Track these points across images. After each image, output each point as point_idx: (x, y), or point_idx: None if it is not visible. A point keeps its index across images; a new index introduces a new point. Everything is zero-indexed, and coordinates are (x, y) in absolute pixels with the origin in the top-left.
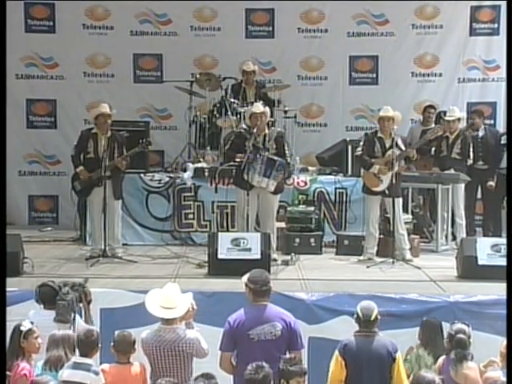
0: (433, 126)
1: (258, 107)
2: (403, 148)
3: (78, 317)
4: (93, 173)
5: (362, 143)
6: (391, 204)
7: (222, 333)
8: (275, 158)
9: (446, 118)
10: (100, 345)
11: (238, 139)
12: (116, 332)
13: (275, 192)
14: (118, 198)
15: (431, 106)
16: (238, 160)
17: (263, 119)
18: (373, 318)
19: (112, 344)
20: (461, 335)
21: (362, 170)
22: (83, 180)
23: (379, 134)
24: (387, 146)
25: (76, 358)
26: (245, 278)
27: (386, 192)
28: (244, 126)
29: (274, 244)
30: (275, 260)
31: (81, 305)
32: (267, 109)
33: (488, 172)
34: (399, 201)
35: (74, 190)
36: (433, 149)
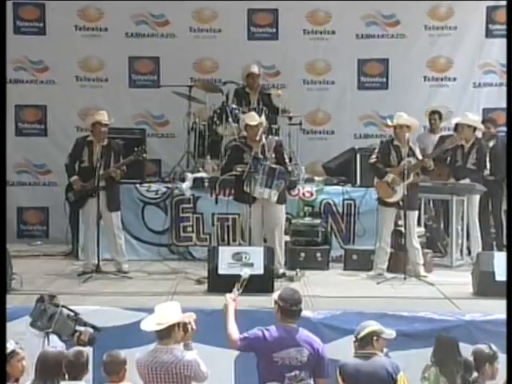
0: (442, 133)
1: (253, 117)
2: (420, 157)
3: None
4: (87, 183)
5: (376, 151)
6: (406, 216)
7: (249, 332)
8: (275, 166)
9: (455, 121)
10: (90, 367)
11: (234, 153)
12: (104, 354)
13: (279, 202)
14: (113, 209)
15: (435, 112)
16: (239, 170)
17: (260, 129)
18: (361, 335)
19: (102, 368)
20: (469, 357)
21: (376, 180)
22: (77, 190)
23: (395, 142)
24: (403, 154)
25: (66, 382)
26: (275, 294)
27: (400, 203)
28: (246, 134)
29: (281, 259)
30: (284, 275)
31: None
32: (263, 118)
33: (495, 183)
34: (415, 214)
35: (68, 201)
36: (448, 158)
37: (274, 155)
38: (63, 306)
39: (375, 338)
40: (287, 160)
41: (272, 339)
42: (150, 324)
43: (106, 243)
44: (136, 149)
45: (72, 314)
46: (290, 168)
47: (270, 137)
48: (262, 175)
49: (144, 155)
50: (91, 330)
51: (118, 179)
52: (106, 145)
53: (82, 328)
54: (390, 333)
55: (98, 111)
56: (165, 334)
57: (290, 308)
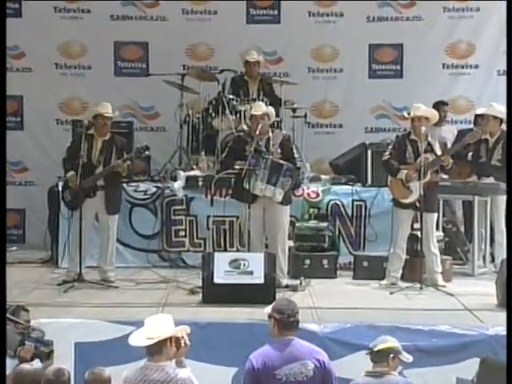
0: (447, 126)
1: (260, 107)
2: (439, 153)
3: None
4: (84, 181)
5: (391, 146)
6: (424, 219)
7: (243, 375)
8: (281, 161)
9: (479, 112)
10: None
11: (236, 145)
12: (87, 371)
13: (283, 203)
14: (112, 212)
15: (443, 102)
16: (237, 167)
17: (265, 121)
18: (378, 348)
19: None
20: None
21: (389, 178)
22: (73, 188)
23: (412, 136)
24: (421, 150)
25: None
26: (268, 308)
27: (417, 205)
28: (245, 127)
29: (284, 267)
30: (287, 286)
31: None
32: (270, 108)
33: None
34: (433, 216)
35: (64, 200)
36: (470, 154)
37: (279, 150)
38: (8, 319)
39: (392, 355)
40: (296, 155)
41: (270, 358)
42: (139, 338)
43: (89, 249)
44: (138, 145)
45: (20, 326)
46: (298, 164)
47: (278, 131)
48: (263, 170)
49: (147, 153)
50: (42, 346)
51: (125, 175)
52: (107, 140)
53: (28, 343)
54: (407, 357)
55: (101, 103)
56: (155, 350)
57: (288, 320)
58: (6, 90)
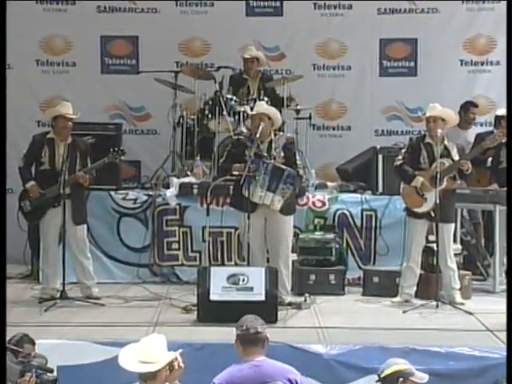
0: (473, 128)
1: (260, 107)
2: (456, 158)
3: None
4: (47, 190)
5: (404, 150)
6: (440, 230)
7: None
8: (283, 167)
9: (500, 113)
10: None
11: (235, 149)
12: None
13: (286, 212)
14: (79, 222)
15: (472, 103)
16: (235, 173)
17: (267, 122)
18: (385, 374)
19: None
20: None
21: (402, 185)
22: (34, 199)
23: (427, 140)
24: (437, 154)
25: None
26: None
27: (432, 214)
28: (244, 129)
29: (287, 283)
30: (290, 304)
31: None
32: (274, 110)
33: None
34: (450, 227)
35: (22, 211)
36: (489, 159)
37: (282, 154)
38: (8, 349)
39: (401, 379)
40: (299, 162)
41: (236, 380)
42: (132, 362)
43: (70, 263)
44: (112, 150)
45: (21, 355)
46: (300, 171)
47: (281, 133)
48: (263, 175)
49: (122, 158)
50: (45, 374)
51: (87, 186)
52: (70, 143)
53: (28, 373)
54: (421, 376)
55: (61, 102)
56: (150, 375)
57: (247, 332)
58: None
